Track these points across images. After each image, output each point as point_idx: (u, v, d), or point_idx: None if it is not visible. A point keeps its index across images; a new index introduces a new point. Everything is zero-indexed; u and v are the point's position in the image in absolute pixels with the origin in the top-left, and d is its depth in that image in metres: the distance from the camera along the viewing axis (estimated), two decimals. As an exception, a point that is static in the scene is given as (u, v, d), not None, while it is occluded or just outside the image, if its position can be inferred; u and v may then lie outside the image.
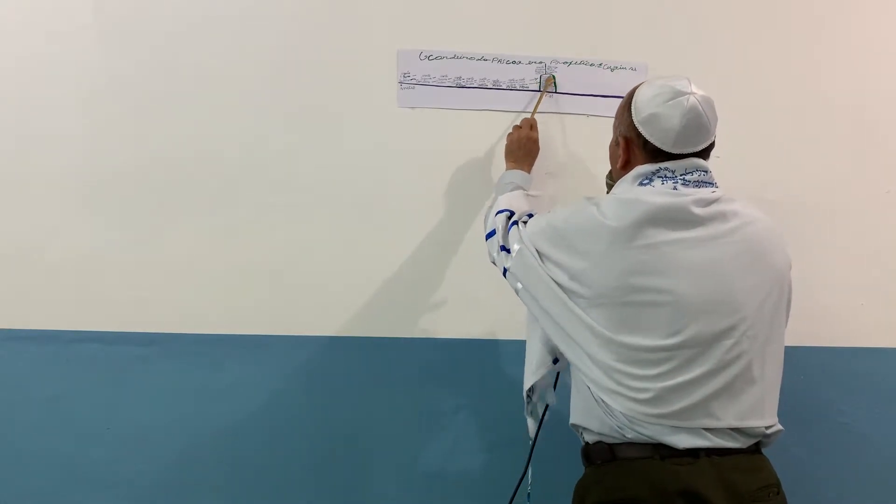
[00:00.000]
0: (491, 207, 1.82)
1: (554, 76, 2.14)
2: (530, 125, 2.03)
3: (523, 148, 1.99)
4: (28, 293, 1.99)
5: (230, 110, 2.07)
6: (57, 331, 1.98)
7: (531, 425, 1.78)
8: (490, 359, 2.06)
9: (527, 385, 1.72)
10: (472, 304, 2.06)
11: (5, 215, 2.01)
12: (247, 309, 2.03)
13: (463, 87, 2.12)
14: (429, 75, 2.11)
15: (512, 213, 1.73)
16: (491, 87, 2.13)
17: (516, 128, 2.04)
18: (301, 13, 2.11)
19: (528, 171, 1.97)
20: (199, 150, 2.05)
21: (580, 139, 2.14)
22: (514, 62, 2.14)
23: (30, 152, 2.02)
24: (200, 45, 2.08)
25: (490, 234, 1.75)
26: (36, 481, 1.93)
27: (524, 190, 1.89)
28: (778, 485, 1.55)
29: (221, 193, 2.05)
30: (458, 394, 2.06)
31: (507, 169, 1.98)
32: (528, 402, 1.76)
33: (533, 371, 1.71)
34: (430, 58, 2.11)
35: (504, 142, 2.06)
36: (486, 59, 2.13)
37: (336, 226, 2.06)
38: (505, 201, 1.79)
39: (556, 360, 1.69)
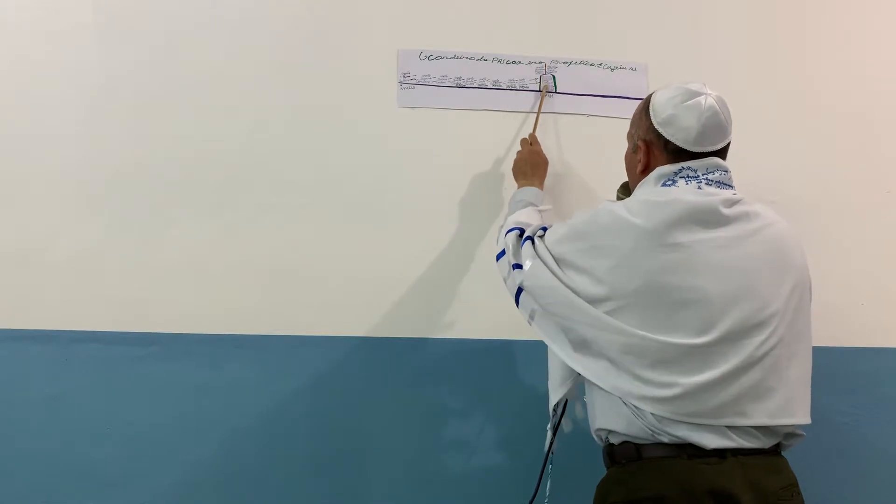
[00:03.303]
0: (501, 228, 1.81)
1: (554, 76, 2.14)
2: (530, 143, 2.03)
3: (529, 163, 1.99)
4: (28, 293, 1.98)
5: (230, 110, 2.07)
6: (57, 331, 1.97)
7: (549, 439, 1.74)
8: (492, 359, 2.06)
9: (553, 401, 1.69)
10: (473, 304, 2.06)
11: (5, 215, 2.00)
12: (247, 309, 2.02)
13: (463, 87, 2.12)
14: (429, 75, 2.11)
15: (522, 231, 1.72)
16: (491, 87, 2.13)
17: (519, 150, 2.04)
18: (301, 13, 2.11)
19: (540, 187, 1.96)
20: (199, 150, 2.05)
21: (580, 139, 2.14)
22: (514, 62, 2.14)
23: (30, 152, 2.02)
24: (200, 45, 2.08)
25: (500, 255, 1.74)
26: (36, 481, 1.92)
27: (535, 206, 1.88)
28: (797, 485, 1.56)
29: (221, 193, 2.05)
30: (459, 394, 2.05)
31: (517, 188, 1.97)
32: (553, 416, 1.72)
33: (558, 385, 1.67)
34: (430, 58, 2.12)
35: (507, 155, 2.08)
36: (486, 59, 2.13)
37: (336, 226, 2.06)
38: (514, 220, 1.78)
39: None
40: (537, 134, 2.07)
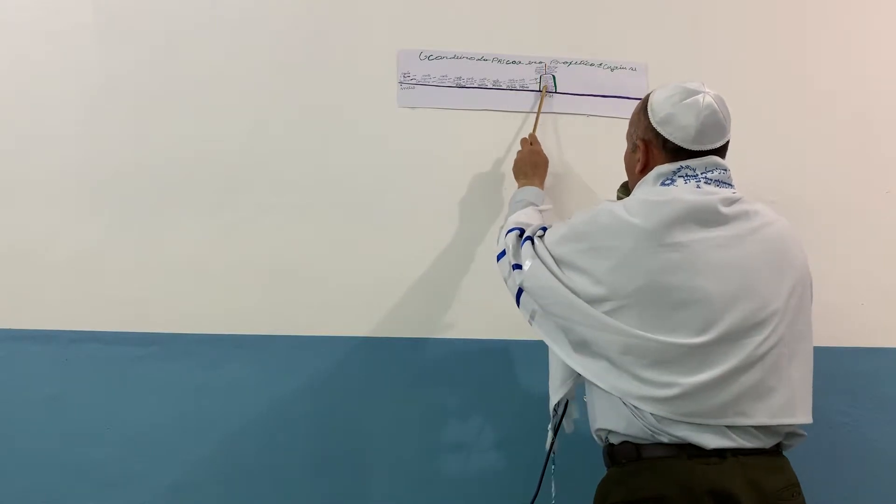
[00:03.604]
0: (502, 228, 1.81)
1: (554, 76, 2.14)
2: (530, 142, 2.03)
3: (529, 163, 1.99)
4: (28, 293, 1.99)
5: (230, 110, 2.07)
6: (57, 331, 1.97)
7: (550, 439, 1.74)
8: (492, 359, 2.06)
9: (553, 401, 1.69)
10: (473, 304, 2.06)
11: (5, 215, 2.00)
12: (247, 309, 2.02)
13: (463, 87, 2.12)
14: (429, 75, 2.11)
15: (522, 231, 1.72)
16: (491, 87, 2.13)
17: (519, 150, 2.04)
18: (301, 13, 2.11)
19: (540, 187, 1.96)
20: (199, 150, 2.05)
21: (580, 139, 2.14)
22: (514, 62, 2.14)
23: (30, 152, 2.02)
24: (200, 45, 2.08)
25: (501, 255, 1.73)
26: (36, 481, 1.93)
27: (535, 206, 1.87)
28: (799, 485, 1.56)
29: (221, 193, 2.05)
30: (459, 394, 2.05)
31: (518, 187, 1.96)
32: (554, 416, 1.72)
33: (558, 385, 1.67)
34: (430, 58, 2.12)
35: (507, 155, 2.08)
36: (486, 59, 2.13)
37: (336, 226, 2.06)
38: (514, 220, 1.78)
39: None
40: (537, 134, 2.07)
